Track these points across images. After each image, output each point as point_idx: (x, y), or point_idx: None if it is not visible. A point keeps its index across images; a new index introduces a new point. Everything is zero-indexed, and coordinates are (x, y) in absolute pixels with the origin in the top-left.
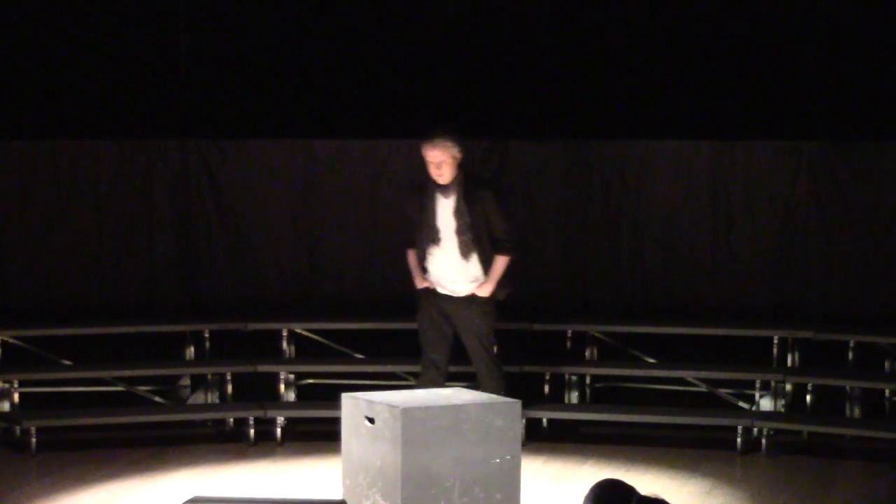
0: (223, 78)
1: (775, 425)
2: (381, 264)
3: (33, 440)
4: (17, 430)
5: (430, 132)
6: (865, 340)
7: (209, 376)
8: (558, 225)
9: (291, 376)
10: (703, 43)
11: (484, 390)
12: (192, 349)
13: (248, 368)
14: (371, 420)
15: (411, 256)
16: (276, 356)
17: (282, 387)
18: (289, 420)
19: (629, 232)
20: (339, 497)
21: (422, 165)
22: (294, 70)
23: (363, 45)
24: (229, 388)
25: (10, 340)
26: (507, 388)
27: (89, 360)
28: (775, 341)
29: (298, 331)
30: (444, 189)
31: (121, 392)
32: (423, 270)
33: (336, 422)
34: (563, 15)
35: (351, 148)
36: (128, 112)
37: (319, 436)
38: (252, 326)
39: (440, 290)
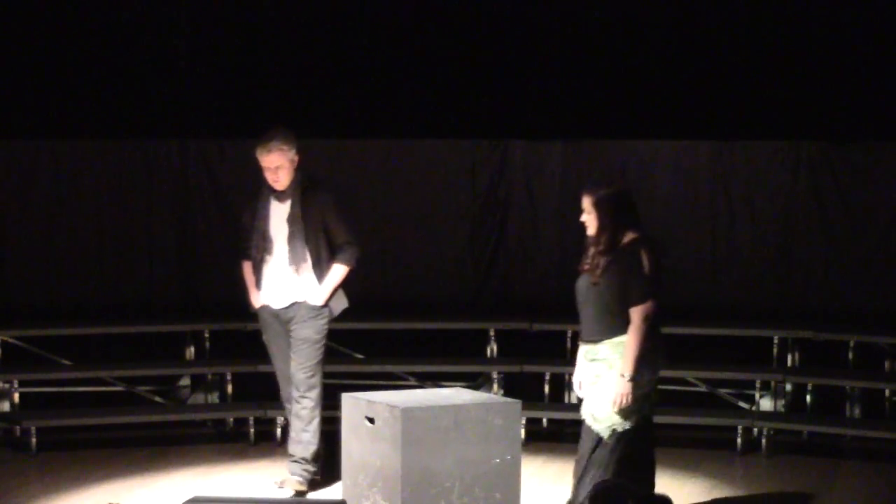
0: (223, 78)
1: (775, 425)
2: (381, 264)
3: (33, 440)
4: (17, 430)
5: (265, 135)
6: (865, 340)
7: (209, 376)
8: (558, 225)
9: None
10: (703, 43)
11: (292, 413)
12: (192, 349)
13: (248, 368)
14: (371, 420)
15: (246, 269)
16: None
17: None
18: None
19: None
20: (339, 497)
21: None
22: (294, 70)
23: (363, 45)
24: (229, 388)
25: (10, 340)
26: (322, 426)
27: (89, 360)
28: (775, 341)
29: None
30: (279, 194)
31: (121, 392)
32: (258, 284)
33: (336, 422)
34: (563, 15)
35: (351, 148)
36: (128, 112)
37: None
38: (252, 326)
39: (273, 305)
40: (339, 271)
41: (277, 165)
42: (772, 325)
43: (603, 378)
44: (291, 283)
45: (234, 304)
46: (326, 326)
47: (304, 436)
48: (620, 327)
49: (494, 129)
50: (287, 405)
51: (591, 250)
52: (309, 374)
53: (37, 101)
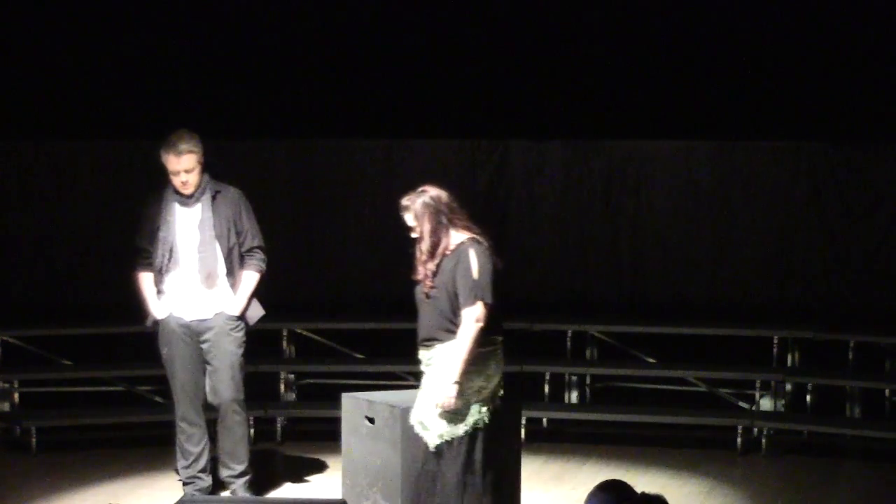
0: (223, 78)
1: (775, 425)
2: (381, 264)
3: (33, 440)
4: (17, 430)
5: (172, 138)
6: (865, 340)
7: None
8: (558, 225)
9: (291, 376)
10: (703, 42)
11: (222, 429)
12: None
13: (249, 368)
14: (371, 420)
15: (144, 281)
16: (277, 356)
17: (282, 387)
18: (289, 420)
19: (629, 232)
20: (339, 497)
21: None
22: (294, 70)
23: (363, 46)
24: None
25: (11, 340)
26: (249, 436)
27: (89, 360)
28: (775, 341)
29: (298, 331)
30: (185, 199)
31: (121, 392)
32: (161, 295)
33: (336, 422)
34: (563, 15)
35: (351, 148)
36: (128, 112)
37: (319, 436)
38: (252, 326)
39: (185, 317)
40: (252, 279)
41: (189, 168)
42: (772, 325)
43: (431, 382)
44: (205, 293)
45: None
46: (245, 337)
47: (239, 450)
48: (453, 332)
49: (494, 129)
50: (183, 424)
51: (419, 259)
52: (236, 388)
53: (37, 101)
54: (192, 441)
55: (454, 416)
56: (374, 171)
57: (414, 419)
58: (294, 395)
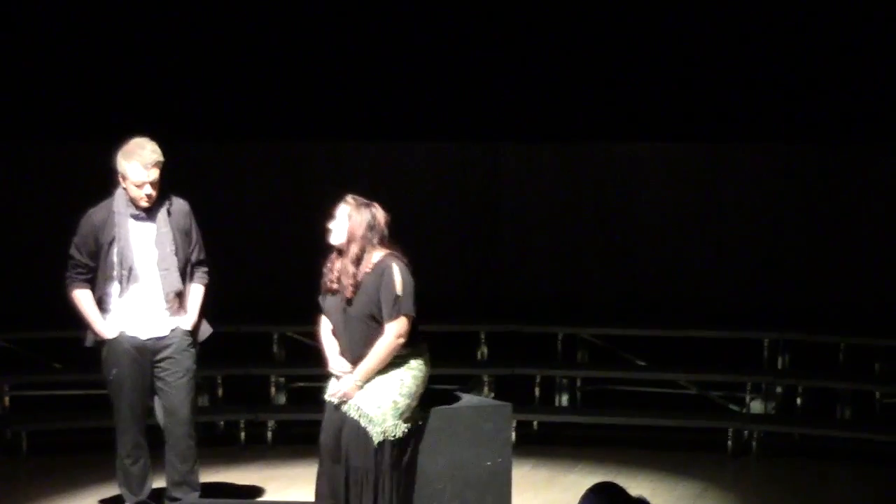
0: (223, 78)
1: (766, 427)
2: None
3: (24, 443)
4: (9, 433)
5: (140, 147)
6: (856, 342)
7: (200, 379)
8: (549, 227)
9: (282, 379)
10: (700, 44)
11: (174, 456)
12: None
13: (239, 371)
14: None
15: (84, 297)
16: (268, 359)
17: (272, 390)
18: (279, 423)
19: (621, 234)
20: None
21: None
22: (294, 70)
23: (361, 47)
24: (220, 391)
25: (1, 343)
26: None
27: (80, 362)
28: (766, 343)
29: (289, 334)
30: (139, 213)
31: None
32: (107, 313)
33: None
34: (558, 17)
35: (344, 151)
36: (128, 113)
37: (310, 439)
38: (244, 329)
39: (139, 336)
40: (200, 293)
41: (155, 182)
42: (762, 328)
43: (393, 389)
44: (164, 312)
45: (225, 306)
46: (198, 359)
47: (191, 478)
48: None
49: (487, 132)
50: (129, 450)
51: (338, 264)
52: (192, 408)
53: (36, 101)
54: (138, 465)
55: (400, 414)
56: (367, 175)
57: (354, 411)
58: (284, 399)
